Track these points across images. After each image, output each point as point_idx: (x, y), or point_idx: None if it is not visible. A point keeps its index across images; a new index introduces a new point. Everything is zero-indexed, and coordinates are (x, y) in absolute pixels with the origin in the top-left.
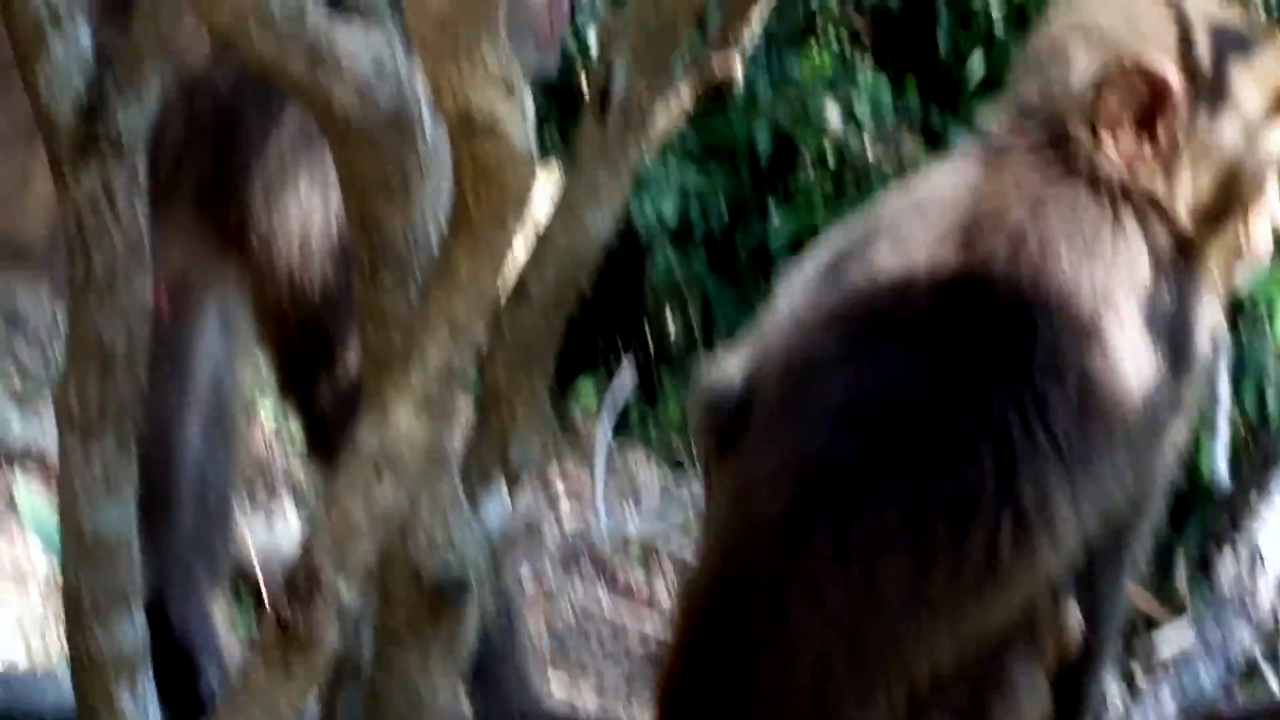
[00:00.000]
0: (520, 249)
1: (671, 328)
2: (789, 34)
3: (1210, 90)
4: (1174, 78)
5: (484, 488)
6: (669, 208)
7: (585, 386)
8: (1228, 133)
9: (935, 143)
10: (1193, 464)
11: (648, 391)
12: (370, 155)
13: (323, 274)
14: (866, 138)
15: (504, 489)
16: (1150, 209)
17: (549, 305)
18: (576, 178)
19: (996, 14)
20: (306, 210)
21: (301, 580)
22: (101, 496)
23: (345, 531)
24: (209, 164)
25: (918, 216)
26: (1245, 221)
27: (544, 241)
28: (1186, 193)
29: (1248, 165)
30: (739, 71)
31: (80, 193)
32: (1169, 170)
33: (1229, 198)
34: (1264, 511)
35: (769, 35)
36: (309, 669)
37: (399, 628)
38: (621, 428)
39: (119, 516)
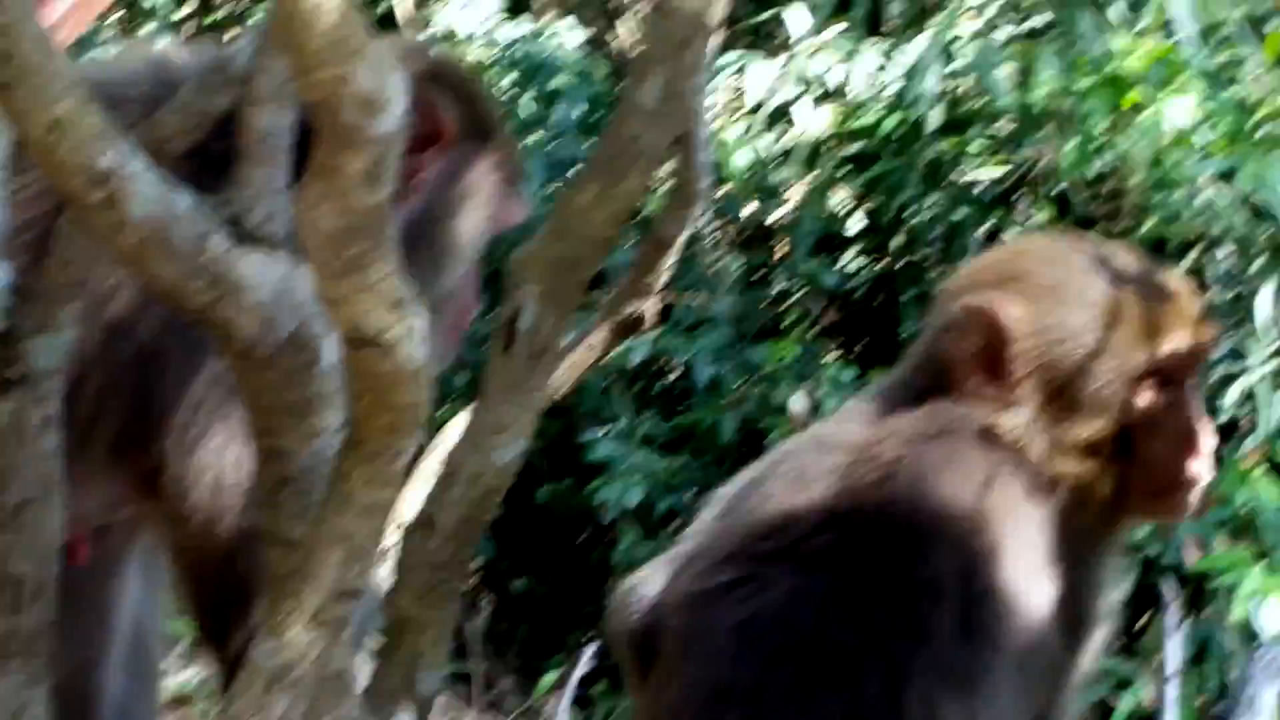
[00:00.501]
0: (428, 480)
1: None
2: (755, 322)
3: (1053, 329)
4: (1011, 318)
5: (389, 713)
6: (635, 494)
7: (551, 677)
8: (1084, 376)
9: None
10: None
11: (614, 681)
12: (272, 379)
13: (237, 521)
14: None
15: (410, 716)
16: (1013, 446)
17: (455, 535)
18: (483, 409)
19: None
20: (221, 457)
21: None
22: None
23: None
24: (127, 408)
25: (810, 453)
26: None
27: (450, 472)
28: (1044, 430)
29: (1099, 406)
30: (651, 316)
31: None
32: (1018, 407)
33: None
34: None
35: (736, 323)
36: None
37: None
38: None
39: None
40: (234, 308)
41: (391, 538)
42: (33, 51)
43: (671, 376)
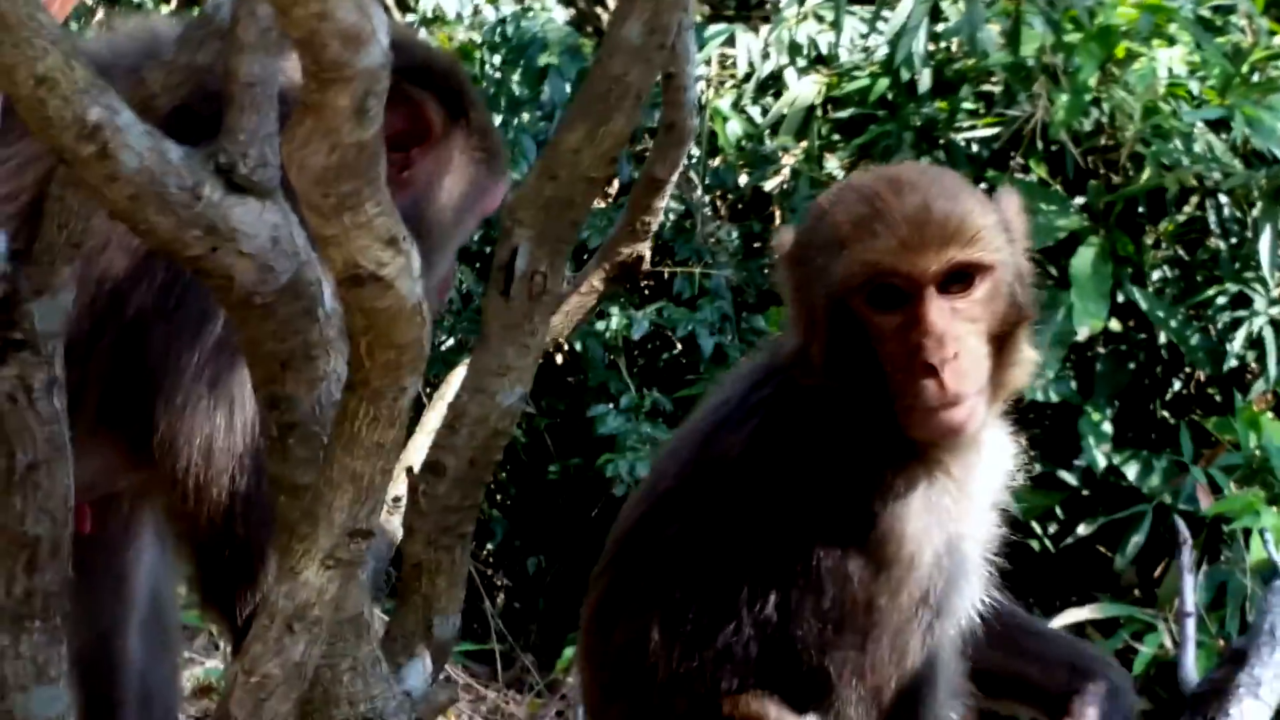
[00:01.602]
0: (433, 431)
1: None
2: (755, 291)
3: (801, 249)
4: (784, 244)
5: (407, 657)
6: (644, 467)
7: (571, 652)
8: (816, 289)
9: None
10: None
11: None
12: (273, 327)
13: (232, 486)
14: None
15: (427, 659)
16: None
17: (465, 479)
18: (484, 353)
19: None
20: (211, 421)
21: None
22: (32, 683)
23: (261, 688)
24: (115, 374)
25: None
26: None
27: (455, 417)
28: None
29: None
30: (647, 259)
31: None
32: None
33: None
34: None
35: (736, 293)
36: None
37: None
38: None
39: (52, 702)
40: (230, 256)
41: (401, 487)
42: (15, 8)
43: (675, 349)
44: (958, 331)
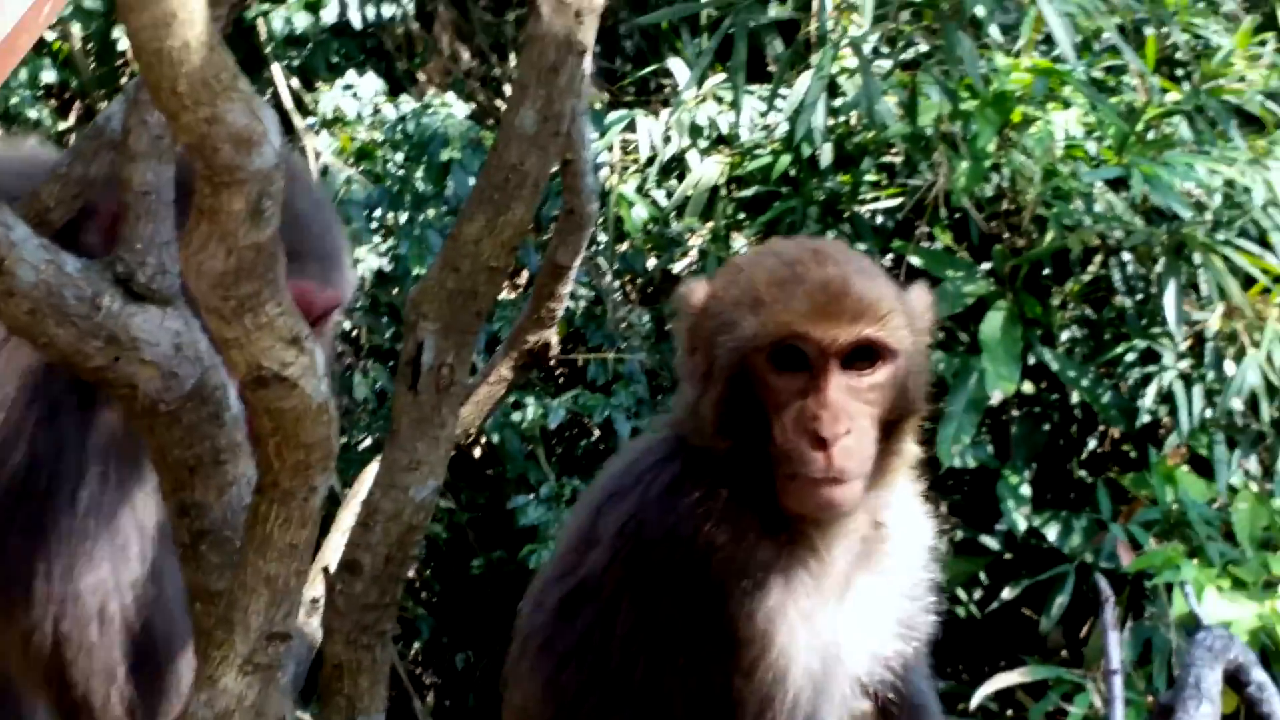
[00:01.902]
0: (347, 530)
1: None
2: (670, 375)
3: (713, 304)
4: (695, 295)
5: None
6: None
7: None
8: (718, 345)
9: None
10: None
11: None
12: (179, 434)
13: (56, 633)
14: None
15: None
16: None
17: (382, 576)
18: (395, 448)
19: None
20: (31, 568)
21: None
22: None
23: None
24: None
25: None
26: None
27: (369, 514)
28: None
29: None
30: (555, 346)
31: None
32: (691, 381)
33: None
34: None
35: (651, 376)
36: None
37: None
38: None
39: None
40: (133, 365)
41: (318, 587)
42: None
43: (593, 436)
44: (852, 410)
